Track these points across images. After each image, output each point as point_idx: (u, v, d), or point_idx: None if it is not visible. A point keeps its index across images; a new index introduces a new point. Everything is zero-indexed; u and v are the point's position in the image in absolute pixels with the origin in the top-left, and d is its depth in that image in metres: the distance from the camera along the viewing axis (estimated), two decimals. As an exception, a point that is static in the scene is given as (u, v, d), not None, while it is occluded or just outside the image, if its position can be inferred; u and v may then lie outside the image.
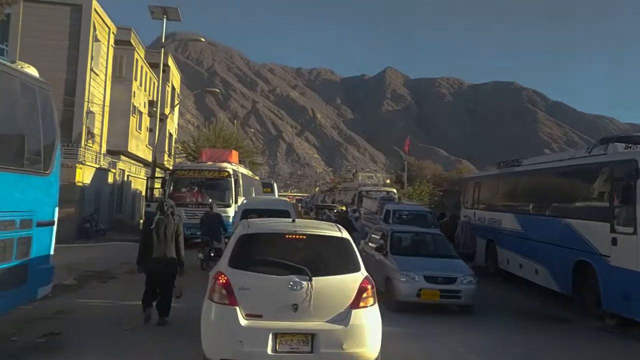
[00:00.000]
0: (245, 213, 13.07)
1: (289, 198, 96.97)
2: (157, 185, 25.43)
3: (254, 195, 28.08)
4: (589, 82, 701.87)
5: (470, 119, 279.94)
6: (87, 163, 25.37)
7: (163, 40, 27.33)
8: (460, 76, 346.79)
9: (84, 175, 24.69)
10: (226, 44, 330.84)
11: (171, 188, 22.34)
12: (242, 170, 25.69)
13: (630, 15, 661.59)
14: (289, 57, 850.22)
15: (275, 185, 34.61)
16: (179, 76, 44.25)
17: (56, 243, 8.15)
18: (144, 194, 28.55)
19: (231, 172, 22.41)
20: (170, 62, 40.32)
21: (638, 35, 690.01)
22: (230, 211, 21.97)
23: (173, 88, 41.56)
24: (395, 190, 34.66)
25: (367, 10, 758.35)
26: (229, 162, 23.50)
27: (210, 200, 22.05)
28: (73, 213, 22.37)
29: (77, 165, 23.77)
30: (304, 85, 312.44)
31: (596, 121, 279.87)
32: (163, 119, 39.27)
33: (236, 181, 22.37)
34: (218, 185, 22.67)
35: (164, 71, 39.56)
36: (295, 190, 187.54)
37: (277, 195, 34.47)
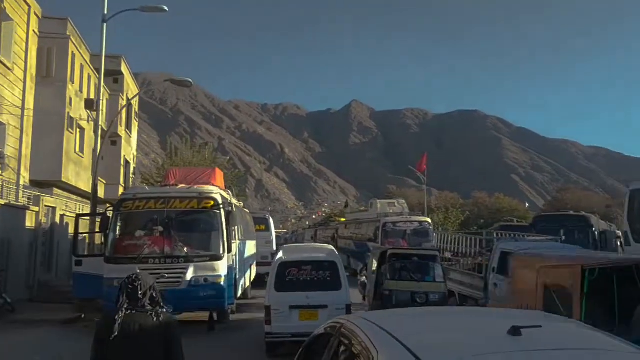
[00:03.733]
0: (283, 268, 10.21)
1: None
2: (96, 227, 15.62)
3: (240, 235, 18.64)
4: (551, 108, 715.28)
5: (437, 149, 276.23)
6: (-13, 198, 15.64)
7: (105, 12, 17.79)
8: (425, 107, 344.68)
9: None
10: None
11: (117, 232, 12.72)
12: (233, 199, 16.23)
13: (578, 43, 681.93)
14: (254, 93, 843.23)
15: (271, 220, 24.96)
16: (137, 90, 34.76)
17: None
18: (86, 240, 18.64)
19: (220, 200, 12.96)
20: (125, 70, 30.81)
21: (596, 59, 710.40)
22: (221, 269, 12.51)
23: (129, 104, 31.95)
24: (429, 220, 25.65)
25: (330, 44, 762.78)
26: (217, 187, 13.99)
27: (186, 250, 12.55)
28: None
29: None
30: (270, 120, 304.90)
31: (560, 145, 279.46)
32: (115, 140, 29.65)
33: (229, 215, 12.92)
34: (199, 223, 13.17)
35: (115, 81, 30.17)
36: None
37: (273, 231, 24.86)
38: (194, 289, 12.16)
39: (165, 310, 4.25)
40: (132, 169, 33.17)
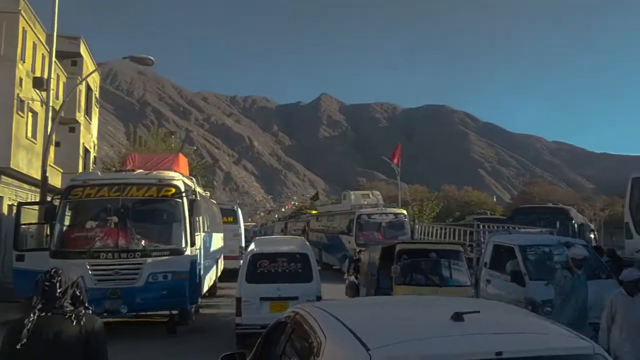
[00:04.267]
0: (255, 259, 10.13)
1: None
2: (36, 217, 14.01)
3: (212, 227, 17.30)
4: (516, 103, 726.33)
5: (406, 143, 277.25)
6: None
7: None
8: (394, 101, 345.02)
9: None
10: (157, 73, 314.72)
11: (64, 223, 11.23)
12: (199, 189, 14.81)
13: (541, 35, 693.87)
14: (223, 84, 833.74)
15: (240, 212, 23.51)
16: (99, 76, 32.80)
17: None
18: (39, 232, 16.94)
19: (182, 187, 11.56)
20: (85, 52, 28.87)
21: (560, 56, 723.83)
22: (182, 264, 11.18)
23: (89, 88, 30.04)
24: (405, 212, 24.60)
25: (300, 37, 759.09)
26: (179, 173, 12.52)
27: (143, 242, 11.15)
28: None
29: None
30: (239, 112, 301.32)
31: (525, 140, 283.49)
32: (74, 126, 27.78)
33: (192, 205, 11.55)
34: (158, 213, 11.76)
35: (73, 63, 28.25)
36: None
37: (242, 223, 23.43)
38: (152, 287, 10.78)
39: (89, 311, 3.54)
40: (92, 158, 31.27)
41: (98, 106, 33.56)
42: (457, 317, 2.70)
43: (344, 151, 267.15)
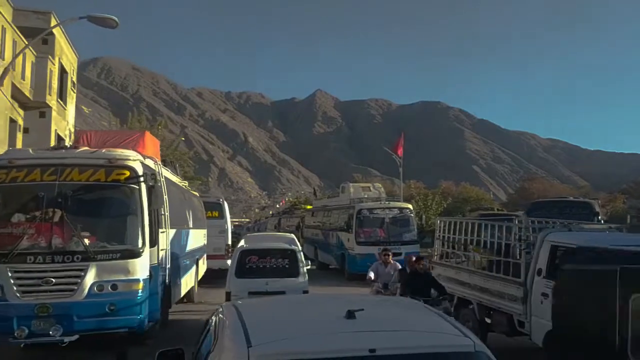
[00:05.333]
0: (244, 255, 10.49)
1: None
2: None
3: (190, 222, 14.65)
4: (511, 100, 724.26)
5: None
6: None
7: None
8: (389, 97, 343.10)
9: None
10: (151, 68, 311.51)
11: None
12: (167, 173, 12.01)
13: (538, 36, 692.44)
14: (217, 80, 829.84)
15: (225, 205, 20.71)
16: (76, 58, 29.86)
17: None
18: None
19: (139, 169, 8.80)
20: (57, 30, 25.92)
21: (555, 55, 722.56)
22: (138, 269, 8.50)
23: (63, 70, 27.11)
24: (411, 207, 21.90)
25: (295, 34, 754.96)
26: (137, 152, 9.70)
27: (86, 241, 8.44)
28: None
29: None
30: (234, 108, 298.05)
31: (519, 137, 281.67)
32: (44, 111, 24.92)
33: (152, 191, 8.82)
34: (107, 204, 9.00)
35: (44, 42, 25.34)
36: (230, 216, 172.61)
37: (229, 219, 20.65)
38: (96, 301, 8.09)
39: None
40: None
41: (75, 91, 30.61)
42: (349, 314, 2.83)
43: (338, 147, 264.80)
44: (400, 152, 30.31)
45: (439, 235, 10.63)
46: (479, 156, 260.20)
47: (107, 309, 8.08)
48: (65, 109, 27.77)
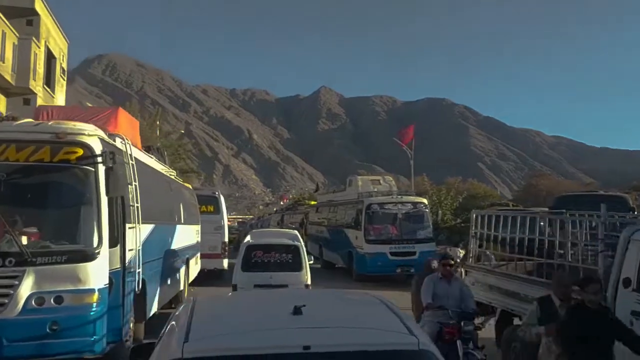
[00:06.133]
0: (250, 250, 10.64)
1: (229, 222, 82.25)
2: None
3: (178, 217, 12.70)
4: (516, 97, 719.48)
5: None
6: None
7: None
8: (393, 94, 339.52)
9: None
10: (156, 65, 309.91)
11: None
12: (144, 156, 9.91)
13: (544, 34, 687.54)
14: (222, 77, 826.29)
15: (222, 199, 18.60)
16: (66, 43, 27.78)
17: None
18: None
19: (96, 147, 6.73)
20: (42, 9, 23.91)
21: (559, 52, 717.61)
22: (91, 277, 6.43)
23: (51, 55, 25.12)
24: (425, 201, 19.81)
25: (300, 30, 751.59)
26: (100, 128, 7.61)
27: (24, 240, 6.38)
28: None
29: None
30: (238, 105, 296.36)
31: (525, 134, 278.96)
32: (29, 98, 22.95)
33: (112, 174, 6.75)
34: (52, 190, 6.94)
35: (29, 23, 23.40)
36: (234, 212, 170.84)
37: (225, 214, 18.52)
38: (35, 319, 6.10)
39: None
40: (56, 138, 26.35)
41: (65, 78, 28.61)
42: (296, 310, 2.80)
43: (343, 144, 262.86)
44: (409, 139, 28.21)
45: (475, 232, 8.58)
46: (484, 153, 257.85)
47: (48, 329, 6.08)
48: (53, 97, 25.80)
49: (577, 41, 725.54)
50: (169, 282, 10.78)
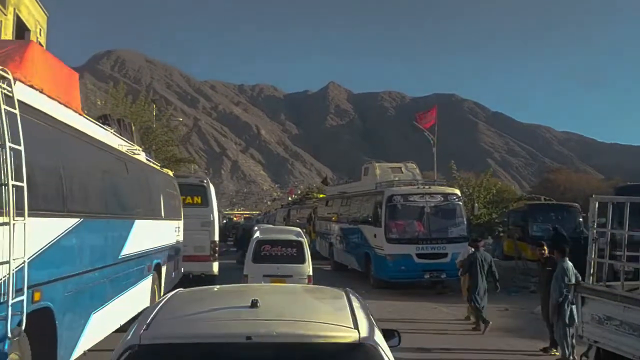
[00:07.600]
0: (259, 244, 11.58)
1: (236, 217, 79.29)
2: None
3: (142, 210, 9.32)
4: (526, 92, 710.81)
5: (413, 132, 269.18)
6: None
7: None
8: (402, 90, 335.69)
9: None
10: (165, 61, 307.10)
11: None
12: (58, 110, 6.35)
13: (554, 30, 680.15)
14: (230, 73, 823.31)
15: (211, 189, 15.21)
16: (45, 16, 24.40)
17: None
18: None
19: None
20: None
21: (567, 48, 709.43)
22: None
23: (24, 27, 21.81)
24: (458, 192, 16.32)
25: (307, 26, 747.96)
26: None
27: None
28: None
29: None
30: (247, 101, 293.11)
31: (534, 130, 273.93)
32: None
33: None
34: None
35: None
36: (242, 208, 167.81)
37: (215, 207, 15.09)
38: None
39: None
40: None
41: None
42: (253, 304, 2.87)
43: (351, 140, 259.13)
44: (430, 124, 24.79)
45: (595, 236, 5.11)
46: (493, 149, 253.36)
47: None
48: (27, 75, 22.52)
49: (586, 37, 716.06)
50: (112, 303, 7.38)
